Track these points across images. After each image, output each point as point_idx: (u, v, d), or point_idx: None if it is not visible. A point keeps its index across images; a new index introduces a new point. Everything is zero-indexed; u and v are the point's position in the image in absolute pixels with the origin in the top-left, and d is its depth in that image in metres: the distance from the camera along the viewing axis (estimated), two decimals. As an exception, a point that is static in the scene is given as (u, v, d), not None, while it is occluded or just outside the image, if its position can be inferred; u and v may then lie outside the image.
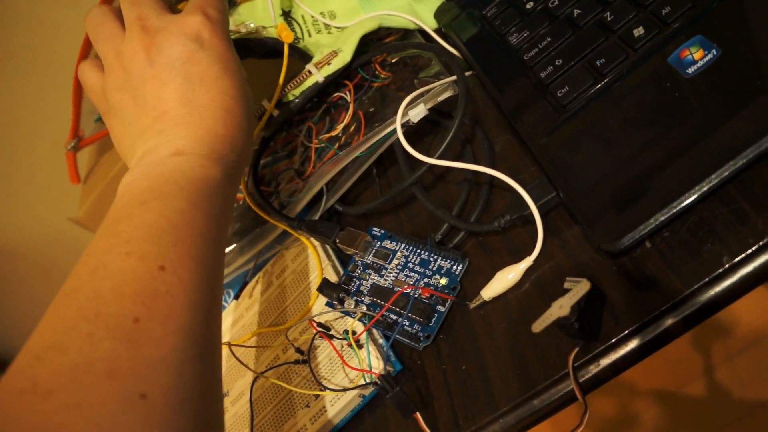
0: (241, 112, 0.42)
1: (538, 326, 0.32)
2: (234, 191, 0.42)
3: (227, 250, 0.56)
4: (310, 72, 0.50)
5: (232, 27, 0.54)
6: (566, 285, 0.34)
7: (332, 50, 0.51)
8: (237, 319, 0.55)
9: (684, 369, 1.17)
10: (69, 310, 0.32)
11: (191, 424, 0.31)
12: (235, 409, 0.50)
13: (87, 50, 0.63)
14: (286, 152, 0.56)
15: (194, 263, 0.35)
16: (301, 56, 0.53)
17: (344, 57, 0.50)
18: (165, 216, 0.36)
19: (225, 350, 0.49)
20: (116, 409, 0.28)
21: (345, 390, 0.41)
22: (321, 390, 0.43)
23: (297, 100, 0.51)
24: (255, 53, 0.53)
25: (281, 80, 0.51)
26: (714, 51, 0.35)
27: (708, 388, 1.14)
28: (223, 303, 0.58)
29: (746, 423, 1.08)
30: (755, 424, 1.07)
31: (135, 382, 0.29)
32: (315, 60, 0.51)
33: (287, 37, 0.50)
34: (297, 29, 0.55)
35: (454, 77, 0.45)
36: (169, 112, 0.41)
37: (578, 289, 0.32)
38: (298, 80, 0.51)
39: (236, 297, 0.56)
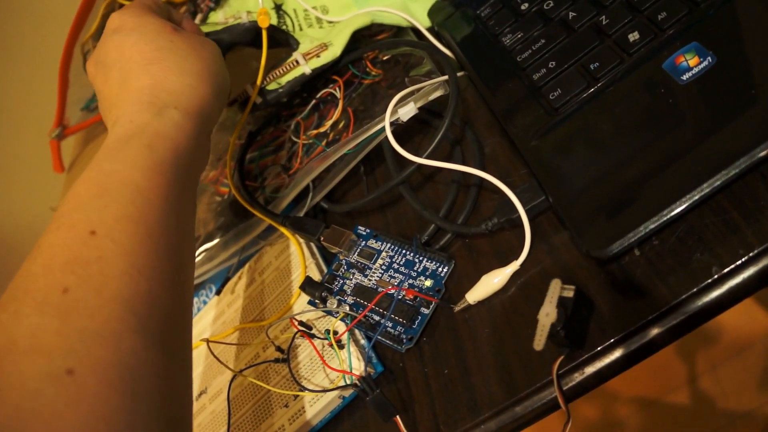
0: (168, 56, 0.42)
1: (538, 343, 0.31)
2: (182, 135, 0.39)
3: (210, 244, 0.55)
4: (297, 62, 0.49)
5: (221, 17, 0.53)
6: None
7: (322, 42, 0.50)
8: (218, 314, 0.54)
9: (668, 377, 1.17)
10: (3, 297, 0.31)
11: (131, 402, 0.28)
12: (213, 406, 0.49)
13: (73, 39, 0.62)
14: (274, 147, 0.55)
15: (132, 224, 0.33)
16: (284, 40, 0.52)
17: (334, 51, 0.50)
18: (93, 181, 0.35)
19: (204, 347, 0.48)
20: (37, 387, 0.27)
21: (324, 391, 0.40)
22: (300, 390, 0.42)
23: (281, 90, 0.50)
24: (241, 40, 0.52)
25: (262, 66, 0.50)
26: (709, 58, 0.34)
27: (691, 396, 1.14)
28: (205, 298, 0.57)
29: (728, 433, 1.08)
30: (737, 434, 1.07)
31: (61, 357, 0.27)
32: (303, 50, 0.50)
33: (263, 22, 0.49)
34: (288, 22, 0.54)
35: (446, 77, 0.45)
36: (113, 101, 0.42)
37: (552, 290, 0.31)
38: (284, 69, 0.50)
39: (218, 292, 0.55)
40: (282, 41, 0.52)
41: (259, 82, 0.50)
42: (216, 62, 0.45)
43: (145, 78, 0.41)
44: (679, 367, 1.17)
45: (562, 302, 0.32)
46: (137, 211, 0.34)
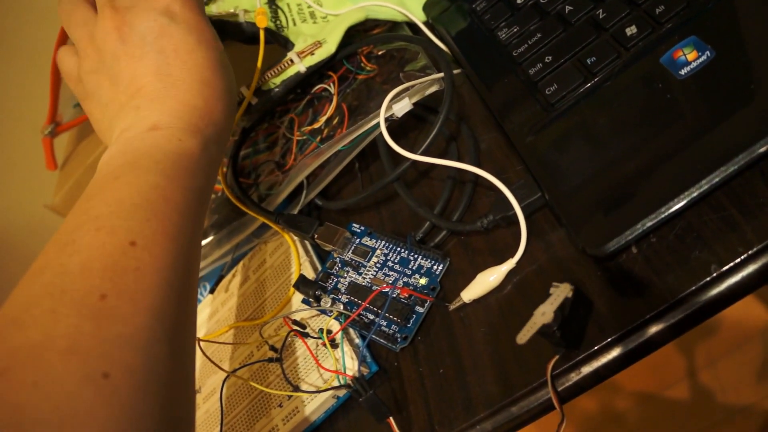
0: (220, 84, 0.41)
1: (522, 337, 0.30)
2: (214, 167, 0.41)
3: (204, 242, 0.54)
4: (292, 61, 0.49)
5: (214, 11, 0.52)
6: (551, 290, 0.33)
7: (316, 40, 0.49)
8: (212, 313, 0.54)
9: (667, 371, 1.17)
10: (34, 287, 0.31)
11: (156, 406, 0.29)
12: (207, 406, 0.48)
13: (66, 34, 0.61)
14: (268, 144, 0.54)
15: (168, 240, 0.34)
16: (281, 43, 0.51)
17: (329, 48, 0.49)
18: (138, 190, 0.35)
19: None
20: (76, 388, 0.27)
21: (317, 392, 0.40)
22: (293, 391, 0.41)
23: (277, 89, 0.50)
24: (234, 37, 0.51)
25: (258, 66, 0.49)
26: (708, 53, 0.33)
27: (690, 391, 1.14)
28: (199, 296, 0.57)
29: (727, 427, 1.08)
30: (736, 429, 1.07)
31: (97, 360, 0.28)
32: (297, 49, 0.49)
33: (261, 22, 0.48)
34: (282, 17, 0.53)
35: (441, 74, 0.44)
36: (144, 87, 0.40)
37: (559, 293, 0.31)
38: (279, 68, 0.49)
39: (212, 291, 0.54)
40: (274, 41, 0.52)
41: (254, 83, 0.49)
42: (235, 89, 0.45)
43: (199, 98, 0.40)
44: (678, 362, 1.16)
45: (561, 304, 0.31)
46: (174, 229, 0.35)
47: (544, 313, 0.30)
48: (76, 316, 0.29)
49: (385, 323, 0.40)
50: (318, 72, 0.52)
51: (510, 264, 0.36)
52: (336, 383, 0.39)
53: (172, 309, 0.33)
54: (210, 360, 0.43)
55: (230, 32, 0.51)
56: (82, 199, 0.36)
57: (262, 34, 0.49)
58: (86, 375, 0.28)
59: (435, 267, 0.41)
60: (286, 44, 0.51)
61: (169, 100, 0.39)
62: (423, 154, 0.41)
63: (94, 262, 0.31)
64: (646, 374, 1.17)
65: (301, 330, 0.42)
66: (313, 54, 0.49)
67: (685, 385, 1.15)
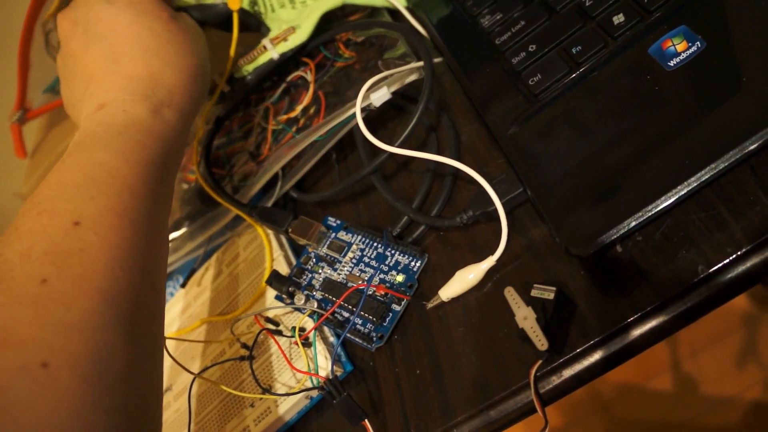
0: (166, 46, 0.41)
1: (542, 344, 0.29)
2: (172, 134, 0.39)
3: (176, 234, 0.52)
4: (264, 47, 0.47)
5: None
6: (533, 293, 0.32)
7: (290, 26, 0.47)
8: (185, 308, 0.52)
9: (651, 362, 1.17)
10: None
11: (107, 395, 0.28)
12: (178, 404, 0.47)
13: (33, 17, 0.59)
14: (242, 133, 0.52)
15: (117, 218, 0.32)
16: (255, 27, 0.49)
17: (302, 34, 0.47)
18: (81, 169, 0.33)
19: (170, 341, 0.46)
20: (9, 380, 0.26)
21: (287, 395, 0.38)
22: (262, 393, 0.40)
23: (250, 77, 0.48)
24: (214, 22, 0.49)
25: (231, 53, 0.47)
26: (698, 43, 0.32)
27: (674, 381, 1.14)
28: (171, 290, 0.55)
29: (709, 418, 1.08)
30: (718, 419, 1.08)
31: (35, 350, 0.27)
32: (271, 35, 0.47)
33: (233, 4, 0.46)
34: (261, 3, 0.51)
35: (421, 63, 0.42)
36: (94, 75, 0.40)
37: (511, 298, 0.31)
38: (252, 55, 0.47)
39: (183, 285, 0.52)
40: (253, 26, 0.50)
41: (227, 70, 0.47)
42: (205, 57, 0.43)
43: (142, 66, 0.39)
44: (661, 353, 1.16)
45: (540, 303, 0.30)
46: (122, 205, 0.33)
47: (526, 317, 0.29)
48: (11, 305, 0.28)
49: (360, 321, 0.39)
50: (294, 59, 0.50)
51: (490, 262, 0.35)
52: (309, 384, 0.38)
53: (126, 291, 0.31)
54: (176, 361, 0.41)
55: (210, 17, 0.49)
56: (34, 191, 0.34)
57: (235, 16, 0.47)
58: (22, 366, 0.26)
59: (412, 263, 0.39)
60: (259, 26, 0.49)
61: (112, 77, 0.39)
62: (401, 146, 0.39)
63: (34, 246, 0.30)
64: (631, 364, 1.16)
65: (274, 328, 0.41)
66: (286, 40, 0.47)
67: (668, 375, 1.15)
